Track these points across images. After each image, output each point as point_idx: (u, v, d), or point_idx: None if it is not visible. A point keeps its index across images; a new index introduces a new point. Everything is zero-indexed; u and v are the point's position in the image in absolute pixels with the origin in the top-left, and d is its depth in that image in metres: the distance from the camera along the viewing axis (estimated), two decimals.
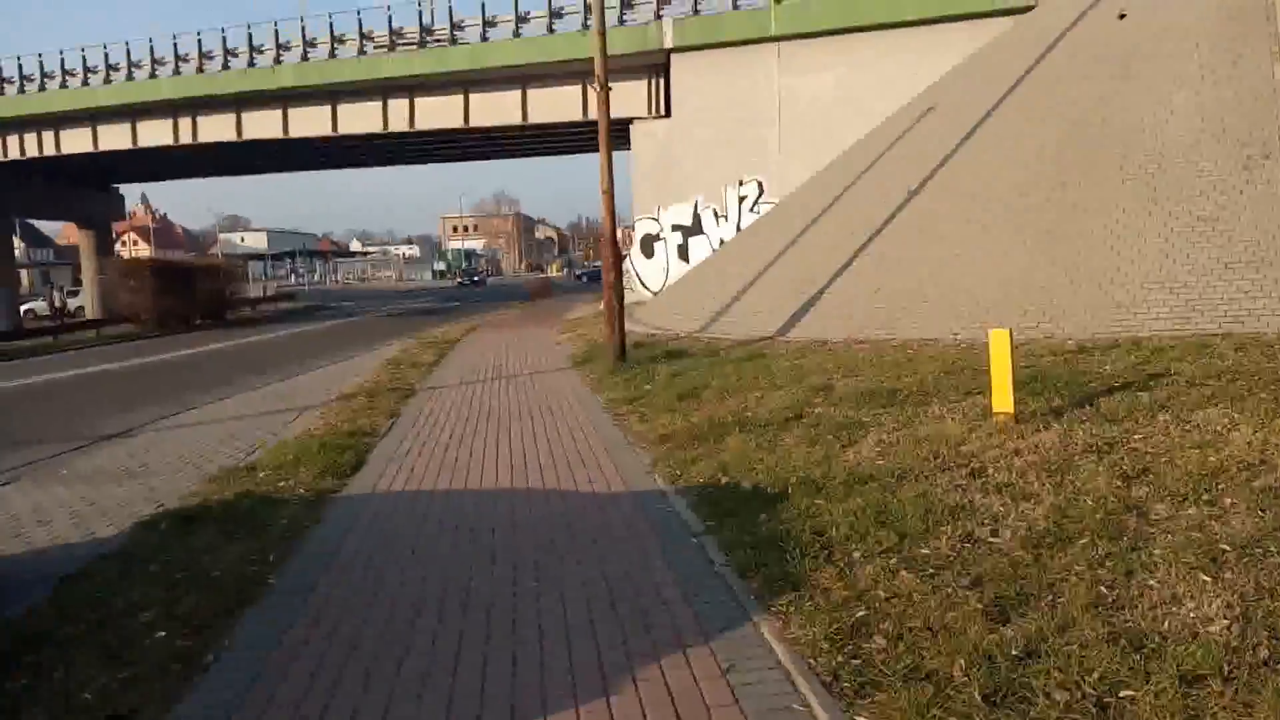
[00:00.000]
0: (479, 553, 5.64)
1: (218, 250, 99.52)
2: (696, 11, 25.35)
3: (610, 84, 13.39)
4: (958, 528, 5.33)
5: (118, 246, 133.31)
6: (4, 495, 8.44)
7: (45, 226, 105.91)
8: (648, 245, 26.72)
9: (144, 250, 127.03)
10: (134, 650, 4.45)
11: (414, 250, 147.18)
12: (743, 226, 24.54)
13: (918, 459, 6.72)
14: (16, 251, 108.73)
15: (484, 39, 28.16)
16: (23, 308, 46.72)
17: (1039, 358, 10.25)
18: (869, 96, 23.29)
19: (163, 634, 4.64)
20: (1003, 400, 7.53)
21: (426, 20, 29.06)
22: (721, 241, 24.84)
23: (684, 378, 11.53)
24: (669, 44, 25.26)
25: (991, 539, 5.18)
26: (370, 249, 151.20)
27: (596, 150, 13.67)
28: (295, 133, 32.33)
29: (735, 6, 24.92)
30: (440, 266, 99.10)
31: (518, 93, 28.93)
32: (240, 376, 17.67)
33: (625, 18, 25.96)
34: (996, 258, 13.28)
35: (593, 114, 27.36)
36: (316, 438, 9.62)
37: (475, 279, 79.97)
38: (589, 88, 27.29)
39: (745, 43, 24.75)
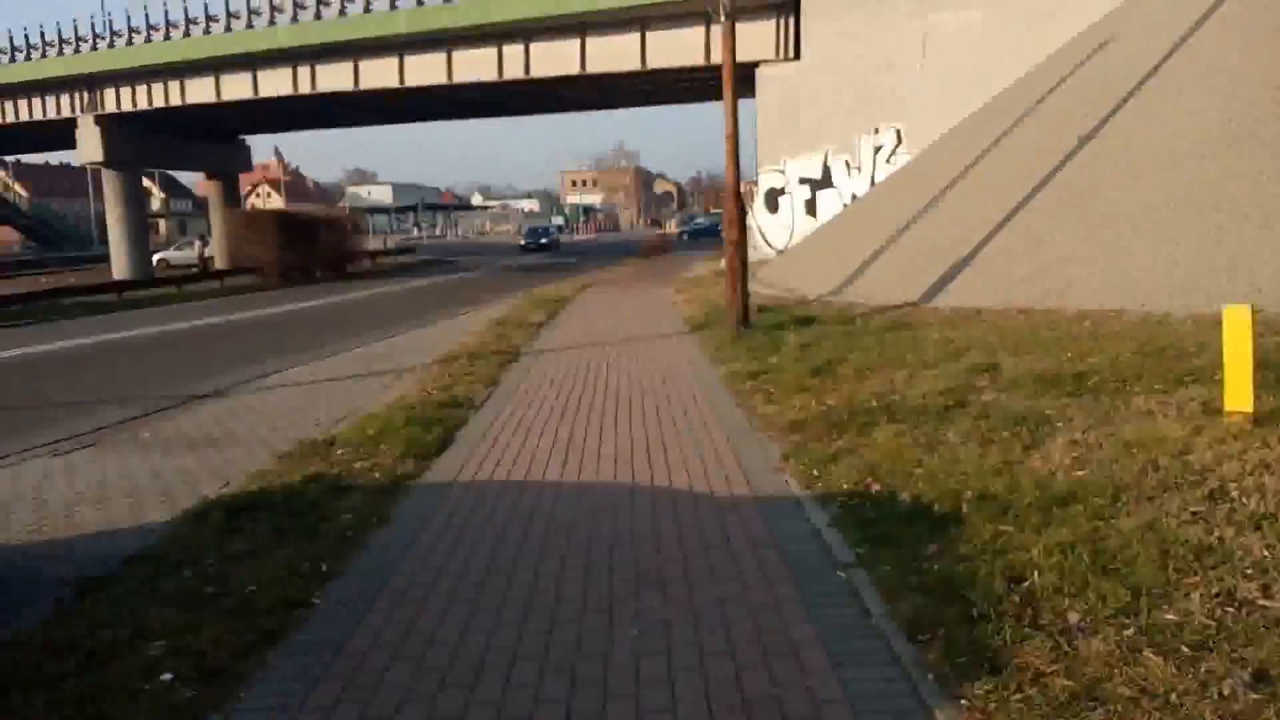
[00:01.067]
0: (566, 587, 4.45)
1: (345, 203, 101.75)
2: None
3: (735, 20, 11.89)
4: (1211, 581, 3.88)
5: (252, 198, 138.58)
6: (74, 463, 7.78)
7: (184, 177, 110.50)
8: (772, 200, 25.06)
9: (276, 202, 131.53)
10: (120, 704, 3.46)
11: (534, 204, 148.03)
12: (878, 179, 22.64)
13: (1130, 472, 5.21)
14: (157, 202, 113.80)
15: None
16: (155, 256, 48.33)
17: (1262, 339, 8.41)
18: (1025, 32, 20.97)
19: (166, 678, 3.65)
20: (1239, 396, 5.88)
21: None
22: (854, 196, 23.01)
23: (816, 349, 10.11)
24: None
25: (1264, 602, 3.72)
26: (490, 203, 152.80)
27: (717, 98, 12.28)
28: (411, 82, 31.74)
29: None
30: (558, 221, 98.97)
31: (636, 35, 27.46)
32: (349, 333, 17.13)
33: None
34: (1194, 217, 11.25)
35: (715, 57, 25.80)
36: (406, 408, 8.68)
37: (544, 241, 58.84)
38: (711, 28, 25.61)
39: None
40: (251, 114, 40.01)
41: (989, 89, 20.56)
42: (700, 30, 26.29)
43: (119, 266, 40.33)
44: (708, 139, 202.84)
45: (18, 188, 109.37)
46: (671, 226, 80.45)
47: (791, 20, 24.76)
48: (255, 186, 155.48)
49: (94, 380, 12.81)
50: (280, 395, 10.68)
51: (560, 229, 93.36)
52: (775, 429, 7.12)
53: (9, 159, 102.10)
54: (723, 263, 14.49)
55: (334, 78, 32.87)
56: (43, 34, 37.09)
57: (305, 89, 33.62)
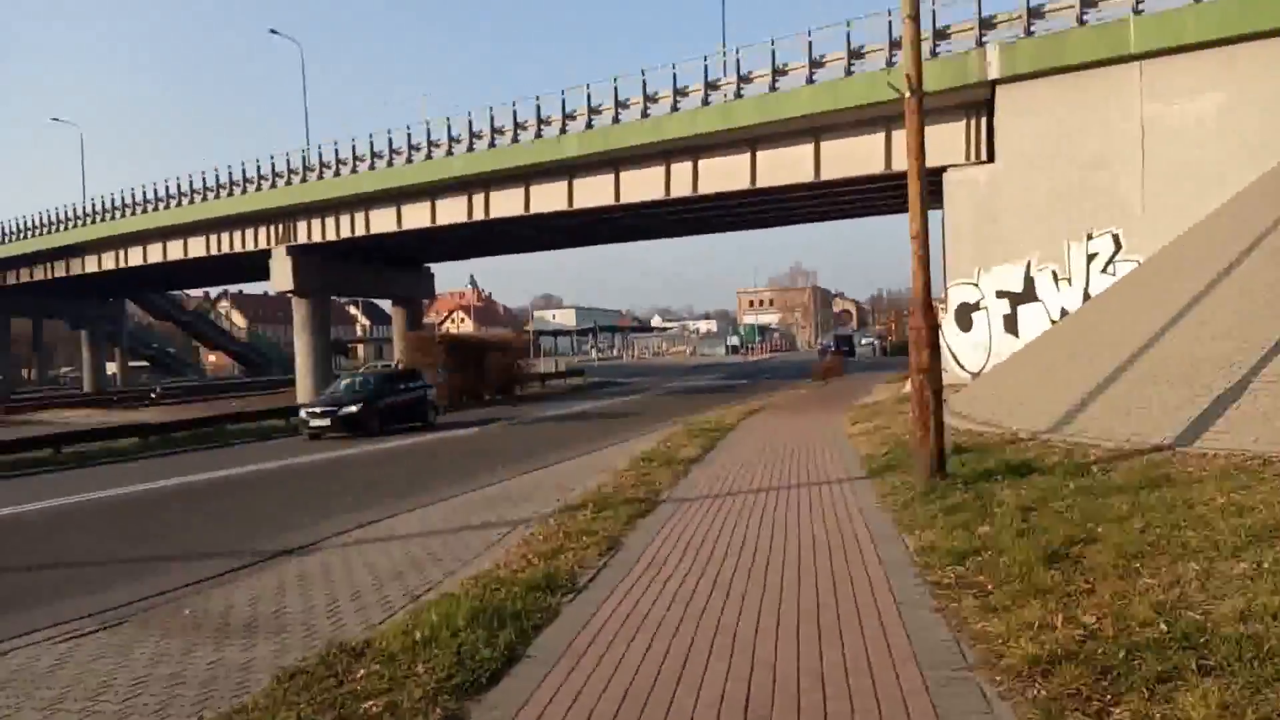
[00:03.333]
0: None
1: (530, 327, 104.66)
2: (1029, 32, 20.88)
3: (922, 97, 9.73)
4: None
5: (447, 324, 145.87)
6: (66, 654, 6.15)
7: (386, 304, 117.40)
8: (964, 316, 22.20)
9: (469, 327, 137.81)
10: None
11: (711, 325, 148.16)
12: (1093, 291, 19.46)
13: None
14: (360, 328, 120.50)
15: (773, 88, 25.33)
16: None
17: None
18: (1266, 123, 17.79)
19: None
20: None
21: (714, 73, 26.81)
22: (1064, 311, 19.89)
23: (1045, 515, 7.40)
24: (994, 74, 20.98)
25: None
26: (669, 324, 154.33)
27: (897, 210, 10.14)
28: (580, 203, 31.28)
29: (1081, 21, 20.19)
30: (733, 341, 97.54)
31: (810, 146, 25.74)
32: (492, 463, 15.62)
33: (938, 49, 22.03)
34: None
35: (897, 164, 23.72)
36: (487, 588, 6.66)
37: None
38: (892, 133, 23.54)
39: (1094, 64, 19.95)
40: (433, 242, 41.06)
41: (1226, 184, 17.42)
42: (879, 137, 24.29)
43: (303, 389, 41.51)
44: (887, 256, 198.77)
45: (235, 316, 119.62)
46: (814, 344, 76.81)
47: (983, 120, 22.35)
48: (450, 313, 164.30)
49: (180, 526, 11.59)
50: (371, 553, 8.93)
51: (735, 349, 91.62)
52: (1003, 670, 4.52)
53: (232, 289, 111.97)
54: (906, 387, 11.93)
55: (506, 203, 32.93)
56: (244, 172, 39.56)
57: (479, 215, 33.87)
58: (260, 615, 6.89)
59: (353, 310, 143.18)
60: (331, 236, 38.40)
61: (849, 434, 16.38)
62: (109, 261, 48.10)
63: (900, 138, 23.16)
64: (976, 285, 21.87)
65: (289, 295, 41.94)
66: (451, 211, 34.49)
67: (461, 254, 49.03)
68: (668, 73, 27.61)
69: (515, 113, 31.18)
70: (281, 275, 40.26)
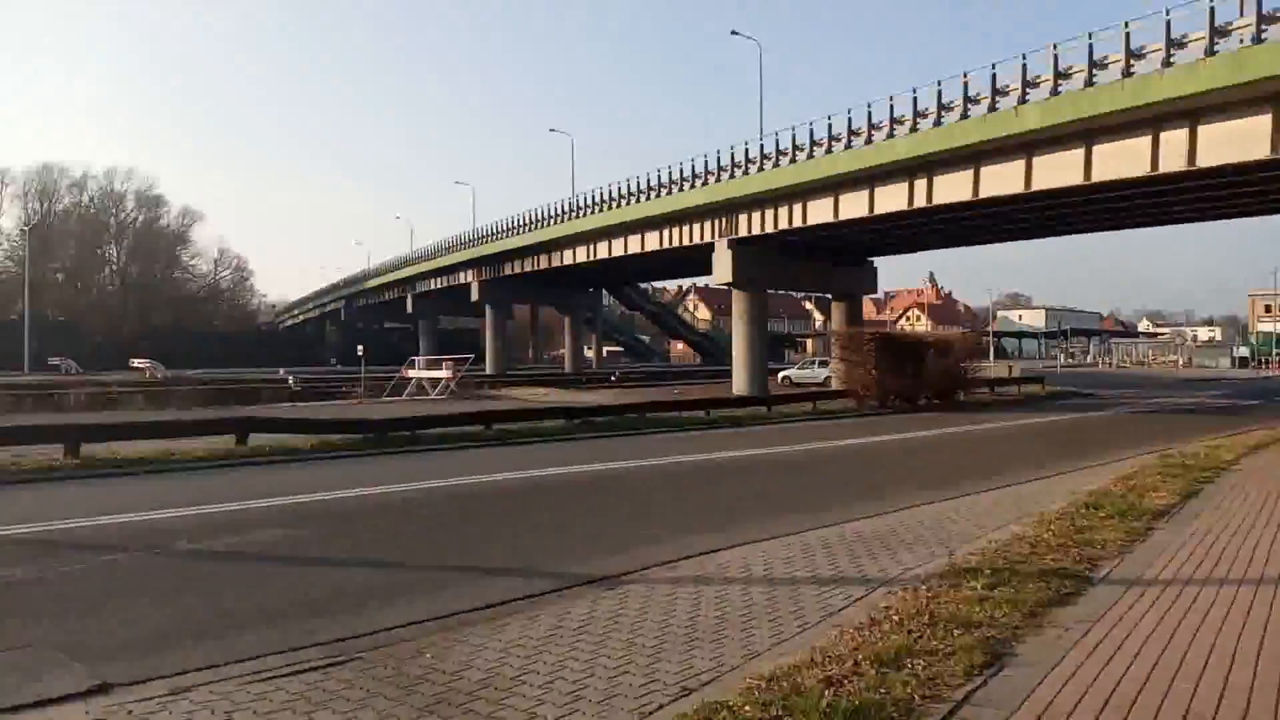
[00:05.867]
0: None
1: (992, 328, 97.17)
2: None
3: None
4: None
5: (901, 322, 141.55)
6: (255, 701, 5.11)
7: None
8: None
9: (924, 325, 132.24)
10: None
11: (1213, 333, 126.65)
12: None
13: None
14: (814, 323, 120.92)
15: None
16: (780, 374, 49.46)
17: None
18: None
19: None
20: None
21: (1223, 16, 21.02)
22: None
23: None
24: None
25: None
26: (1161, 329, 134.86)
27: None
28: (1039, 184, 26.79)
29: None
30: (1242, 352, 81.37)
31: None
32: (887, 484, 13.14)
33: None
34: None
35: None
36: (770, 706, 4.45)
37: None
38: None
39: None
40: (871, 233, 38.67)
41: None
42: None
43: (738, 382, 41.55)
44: None
45: (702, 308, 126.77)
46: None
47: None
48: (905, 310, 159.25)
49: (510, 528, 10.71)
50: (681, 598, 7.07)
51: (1244, 361, 76.45)
52: None
53: (699, 283, 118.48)
54: None
55: (951, 189, 29.43)
56: (693, 168, 40.33)
57: (920, 203, 30.78)
58: (494, 680, 5.34)
59: (807, 305, 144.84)
60: (770, 229, 37.64)
61: None
62: (581, 255, 52.44)
63: None
64: None
65: (729, 287, 42.20)
66: (890, 199, 31.73)
67: (902, 247, 45.78)
68: (1157, 20, 22.28)
69: (965, 85, 27.51)
70: (722, 268, 40.52)
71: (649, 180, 43.32)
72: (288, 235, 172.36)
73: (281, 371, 53.80)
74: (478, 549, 9.30)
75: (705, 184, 39.27)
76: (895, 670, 5.14)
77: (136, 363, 64.34)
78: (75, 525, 10.16)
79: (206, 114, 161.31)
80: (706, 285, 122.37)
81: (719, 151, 38.81)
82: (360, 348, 40.39)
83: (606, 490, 13.62)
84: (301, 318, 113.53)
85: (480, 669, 5.56)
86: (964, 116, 27.64)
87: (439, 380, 42.27)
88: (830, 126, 32.95)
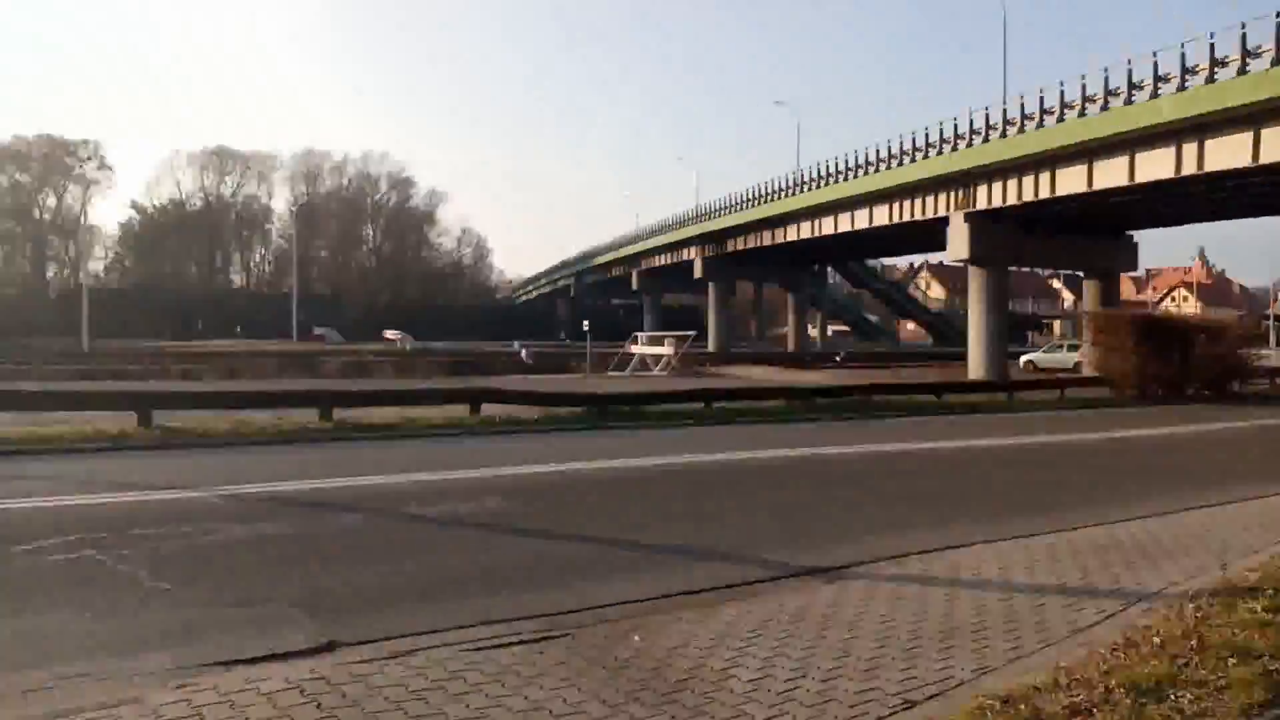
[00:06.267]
0: None
1: (1271, 311, 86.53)
2: None
3: None
4: None
5: (1166, 303, 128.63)
6: (467, 671, 5.15)
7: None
8: None
9: (1191, 306, 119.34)
10: None
11: None
12: None
13: None
14: (1062, 303, 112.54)
15: None
16: (1022, 358, 46.35)
17: None
18: None
19: None
20: None
21: None
22: None
23: None
24: None
25: None
26: None
27: None
28: None
29: None
30: None
31: None
32: (1144, 488, 11.84)
33: None
34: None
35: None
36: None
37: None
38: None
39: None
40: (1132, 204, 35.23)
41: None
42: None
43: (974, 365, 39.33)
44: None
45: (935, 287, 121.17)
46: None
47: None
48: (1170, 290, 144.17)
49: (731, 507, 10.42)
50: (906, 598, 6.57)
51: None
52: None
53: (933, 259, 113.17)
54: None
55: (1225, 153, 26.23)
56: (926, 137, 38.30)
57: (1189, 169, 27.65)
58: (701, 670, 5.11)
59: (1054, 283, 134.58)
60: (1012, 200, 35.15)
61: None
62: (805, 230, 51.35)
63: None
64: None
65: (964, 264, 39.91)
66: (1153, 166, 28.68)
67: (1166, 220, 41.41)
68: None
69: (1244, 37, 24.28)
70: (958, 243, 38.32)
71: (878, 151, 41.69)
72: (523, 214, 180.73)
73: (515, 344, 56.49)
74: (690, 529, 9.13)
75: (940, 153, 37.22)
76: (1155, 702, 4.44)
77: (388, 334, 69.76)
78: (321, 485, 10.93)
79: (451, 99, 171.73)
80: (940, 262, 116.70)
81: (955, 119, 36.61)
82: (585, 323, 41.58)
83: (827, 475, 13.10)
84: (535, 293, 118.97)
85: (689, 657, 5.34)
86: (1242, 71, 24.44)
87: (661, 357, 42.84)
88: (1084, 87, 30.20)
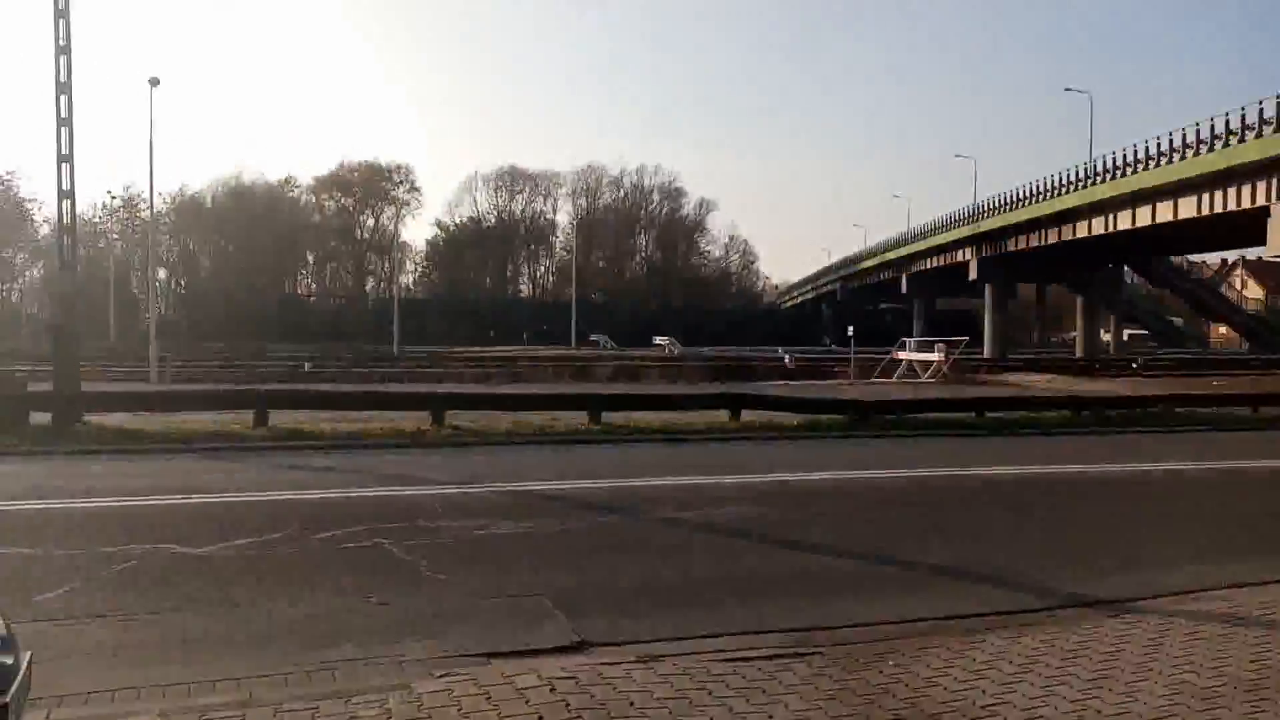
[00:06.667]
0: None
1: None
2: None
3: None
4: None
5: None
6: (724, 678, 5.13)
7: None
8: None
9: None
10: None
11: None
12: None
13: None
14: None
15: None
16: None
17: None
18: None
19: None
20: None
21: None
22: None
23: None
24: None
25: None
26: None
27: None
28: None
29: None
30: None
31: None
32: None
33: None
34: None
35: None
36: None
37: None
38: None
39: None
40: None
41: None
42: None
43: None
44: None
45: (1250, 285, 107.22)
46: None
47: None
48: None
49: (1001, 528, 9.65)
50: (1199, 639, 5.79)
51: None
52: None
53: (1249, 254, 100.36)
54: None
55: None
56: (1243, 118, 33.96)
57: None
58: (960, 704, 4.78)
59: None
60: None
61: None
62: (1098, 226, 47.29)
63: None
64: None
65: None
66: None
67: None
68: None
69: None
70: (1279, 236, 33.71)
71: (1183, 138, 37.47)
72: (788, 220, 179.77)
73: (780, 350, 56.28)
74: (954, 547, 8.60)
75: (1259, 135, 32.84)
76: None
77: (657, 340, 72.01)
78: (586, 485, 11.41)
79: (717, 109, 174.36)
80: (1259, 258, 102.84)
81: (1277, 97, 32.12)
82: (850, 328, 40.63)
83: (1113, 494, 11.90)
84: (800, 299, 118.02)
85: (946, 689, 5.01)
86: None
87: (930, 363, 40.98)
88: None
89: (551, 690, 4.81)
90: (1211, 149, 35.45)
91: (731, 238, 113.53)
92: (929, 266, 73.76)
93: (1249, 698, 4.89)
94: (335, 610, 6.29)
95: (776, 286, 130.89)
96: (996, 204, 57.57)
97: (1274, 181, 33.49)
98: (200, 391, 20.56)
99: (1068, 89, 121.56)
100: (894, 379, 39.66)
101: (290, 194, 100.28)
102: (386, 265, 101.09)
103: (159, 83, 34.73)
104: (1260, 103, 33.10)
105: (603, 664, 5.27)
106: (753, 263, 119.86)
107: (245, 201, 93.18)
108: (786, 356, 49.67)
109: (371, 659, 5.33)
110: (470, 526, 8.71)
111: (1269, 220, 33.86)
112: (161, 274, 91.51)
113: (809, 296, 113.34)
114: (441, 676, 4.97)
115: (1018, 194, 53.95)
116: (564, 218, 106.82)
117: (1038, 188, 51.35)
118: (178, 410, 16.78)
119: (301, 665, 5.20)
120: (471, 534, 8.48)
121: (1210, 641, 5.77)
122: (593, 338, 76.89)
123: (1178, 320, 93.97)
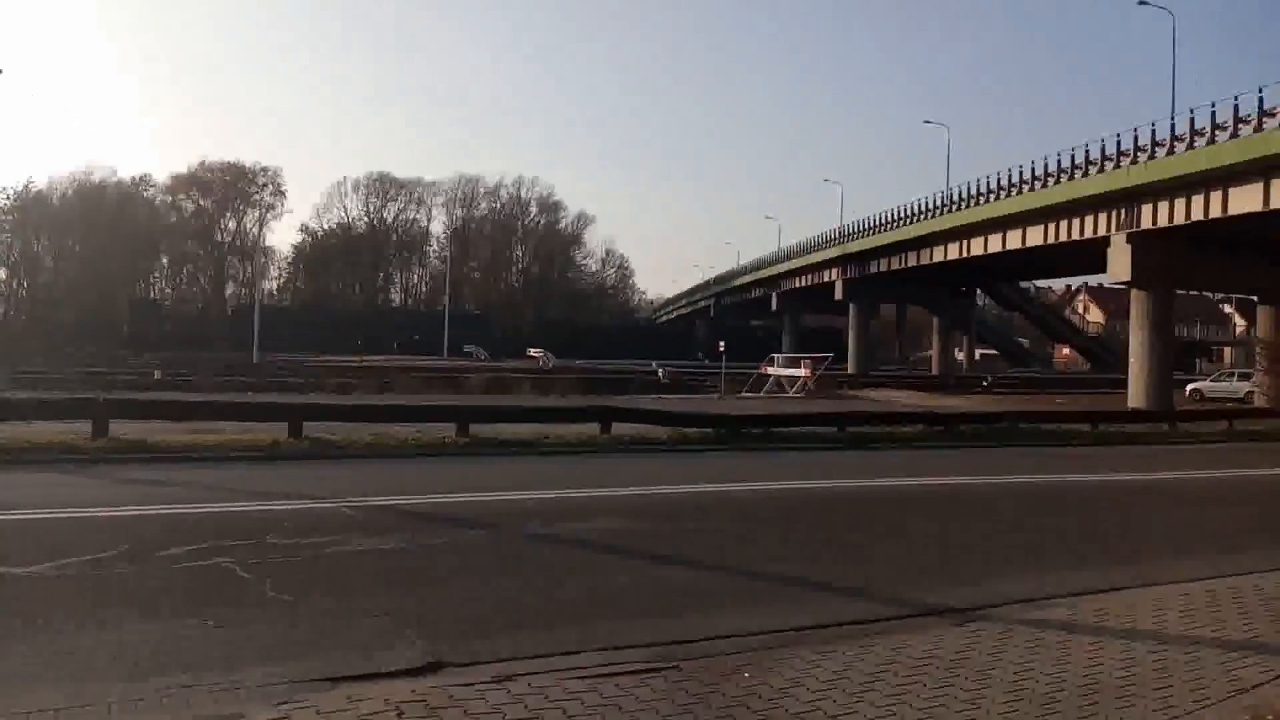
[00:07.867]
0: None
1: None
2: None
3: None
4: None
5: None
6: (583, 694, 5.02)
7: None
8: None
9: None
10: None
11: None
12: None
13: None
14: (1235, 329, 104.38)
15: None
16: (1189, 386, 43.47)
17: None
18: None
19: None
20: None
21: None
22: None
23: None
24: None
25: None
26: None
27: None
28: None
29: None
30: None
31: None
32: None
33: None
34: None
35: None
36: None
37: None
38: None
39: None
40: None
41: None
42: None
43: (1134, 393, 36.87)
44: None
45: (1093, 310, 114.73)
46: None
47: None
48: None
49: (872, 542, 9.93)
50: (1041, 646, 6.03)
51: None
52: None
53: (1092, 281, 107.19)
54: None
55: None
56: (1086, 154, 36.34)
57: None
58: (813, 715, 4.84)
59: (1226, 308, 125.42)
60: (1180, 220, 32.82)
61: None
62: (954, 251, 49.55)
63: None
64: None
65: (1126, 287, 37.57)
66: None
67: None
68: None
69: None
70: (1118, 265, 36.04)
71: (1032, 170, 39.87)
72: (664, 236, 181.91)
73: (654, 364, 56.77)
74: (811, 559, 8.77)
75: (1101, 170, 35.18)
76: None
77: (531, 352, 71.50)
78: (448, 500, 11.12)
79: (596, 125, 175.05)
80: (1100, 284, 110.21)
81: (1118, 135, 34.55)
82: (722, 344, 41.35)
83: (962, 507, 12.41)
84: (675, 314, 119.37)
85: (800, 700, 5.05)
86: None
87: (797, 378, 42.10)
88: (1261, 100, 27.95)
89: (399, 715, 4.59)
90: (1059, 182, 37.75)
91: (609, 252, 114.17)
92: (798, 285, 75.85)
93: (1085, 699, 5.12)
94: (168, 635, 5.86)
95: (652, 301, 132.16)
96: (863, 227, 59.74)
97: (1114, 214, 35.90)
98: (33, 399, 19.11)
99: (926, 121, 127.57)
100: (762, 393, 40.55)
101: (145, 193, 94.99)
102: (248, 270, 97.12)
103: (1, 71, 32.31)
104: (1102, 139, 35.53)
105: (455, 685, 5.08)
106: (629, 277, 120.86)
107: (95, 200, 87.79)
108: (660, 370, 50.15)
109: (208, 686, 4.99)
110: (322, 544, 8.32)
111: (1109, 249, 36.22)
112: (1, 273, 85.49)
113: (684, 311, 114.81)
114: (280, 704, 4.68)
115: (883, 218, 56.16)
116: (439, 227, 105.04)
117: (901, 213, 53.57)
118: (4, 419, 15.53)
119: (126, 695, 4.82)
120: (323, 551, 8.11)
121: (1049, 648, 6.02)
122: (467, 349, 75.76)
123: (1025, 342, 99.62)
